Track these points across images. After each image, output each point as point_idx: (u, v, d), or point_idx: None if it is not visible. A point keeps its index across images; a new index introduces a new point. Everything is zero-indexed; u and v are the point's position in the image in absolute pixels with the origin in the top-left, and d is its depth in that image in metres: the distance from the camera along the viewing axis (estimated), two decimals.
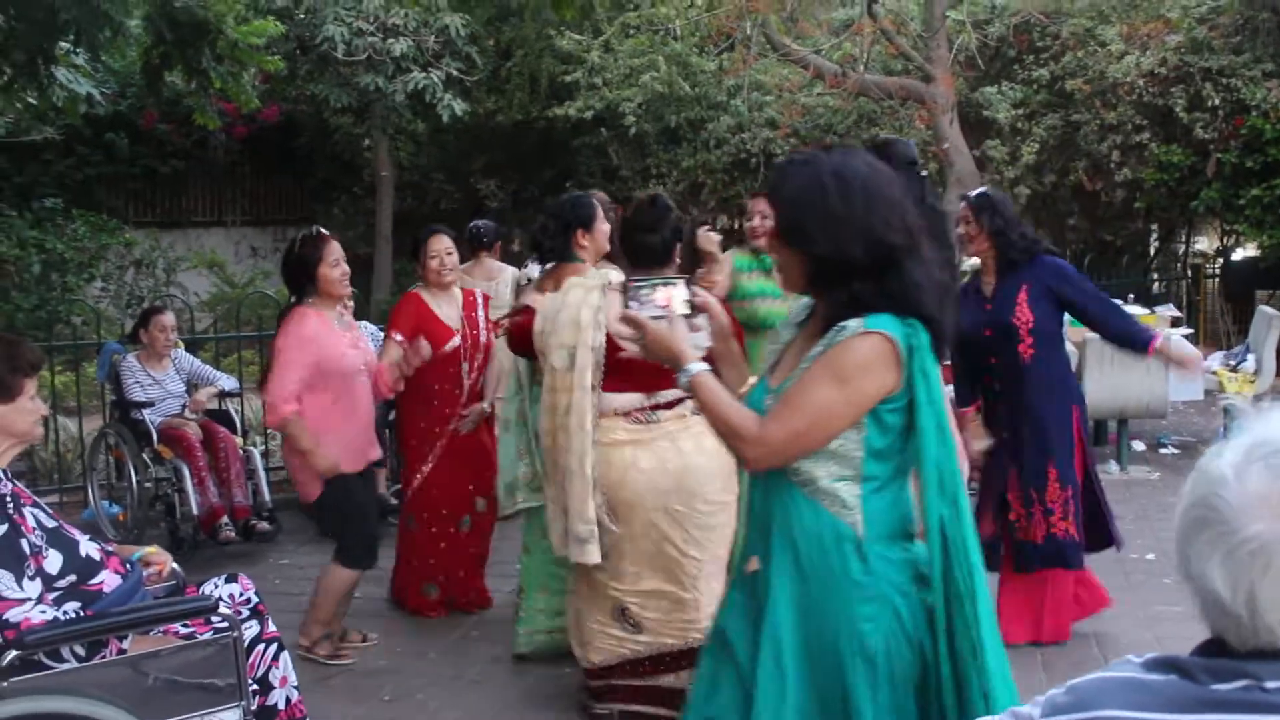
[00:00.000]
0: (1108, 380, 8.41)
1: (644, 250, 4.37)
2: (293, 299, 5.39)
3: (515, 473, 5.17)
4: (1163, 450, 9.24)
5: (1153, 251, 15.66)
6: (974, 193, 5.55)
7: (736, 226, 14.24)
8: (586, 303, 4.27)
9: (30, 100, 8.68)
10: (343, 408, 5.25)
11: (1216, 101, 12.62)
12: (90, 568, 3.24)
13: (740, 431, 2.54)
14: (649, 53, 14.19)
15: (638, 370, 4.12)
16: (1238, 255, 14.74)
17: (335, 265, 5.30)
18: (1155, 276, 14.95)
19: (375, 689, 5.12)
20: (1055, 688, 1.61)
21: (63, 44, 7.20)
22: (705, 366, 2.68)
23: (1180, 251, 15.54)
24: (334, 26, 13.01)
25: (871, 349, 2.45)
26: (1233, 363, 10.23)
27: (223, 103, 11.80)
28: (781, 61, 13.71)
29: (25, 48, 7.04)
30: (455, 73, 13.74)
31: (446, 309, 6.01)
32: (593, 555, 4.23)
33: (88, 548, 3.29)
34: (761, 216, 5.44)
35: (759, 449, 2.52)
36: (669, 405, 4.35)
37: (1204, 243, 15.70)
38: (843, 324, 2.47)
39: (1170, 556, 5.93)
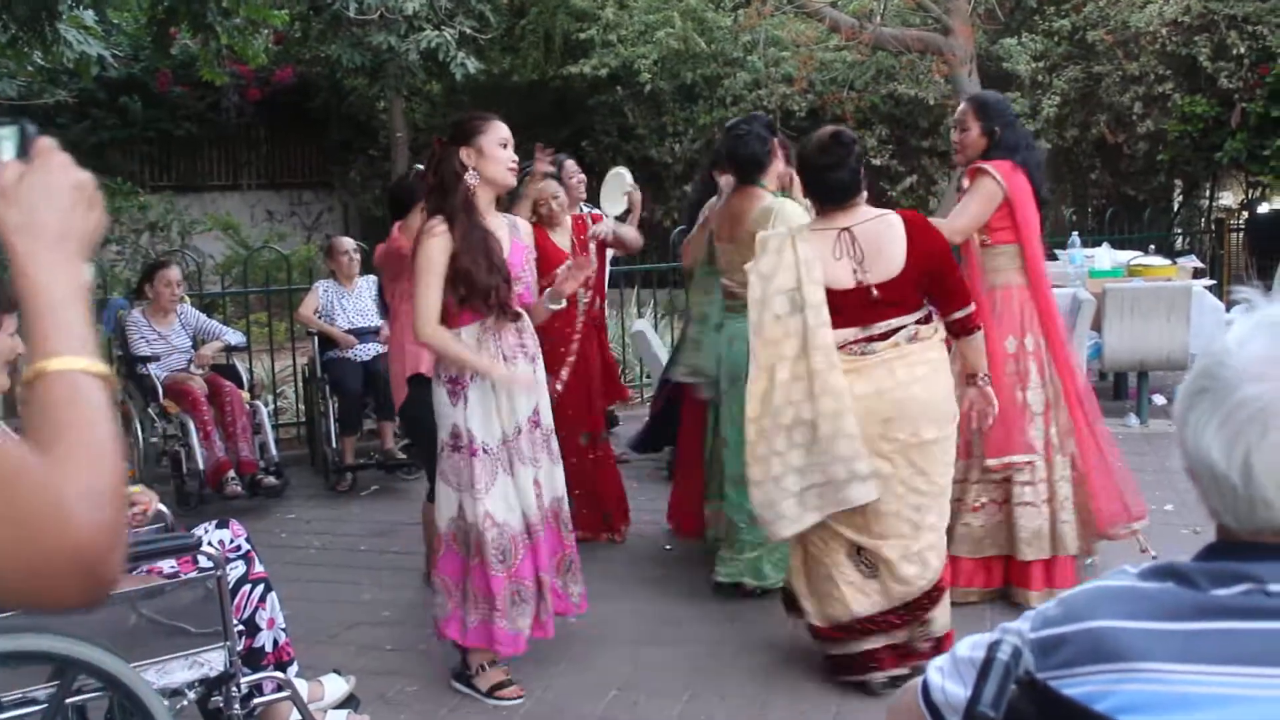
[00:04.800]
0: (1127, 332, 8.27)
1: (832, 188, 4.34)
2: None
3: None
4: None
5: (1176, 206, 15.45)
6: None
7: None
8: (791, 245, 4.29)
9: (38, 60, 8.62)
10: None
11: (1241, 49, 12.39)
12: None
13: None
14: (664, 9, 14.07)
15: (848, 305, 4.22)
16: (1263, 208, 14.51)
17: None
18: (1179, 231, 14.74)
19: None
20: (1048, 601, 1.53)
21: (70, 1, 7.13)
22: None
23: (1204, 206, 15.31)
24: None
25: None
26: None
27: (236, 65, 11.76)
28: (797, 15, 13.53)
29: (27, 2, 6.96)
30: (469, 31, 13.59)
31: (559, 238, 6.23)
32: (872, 491, 4.19)
33: None
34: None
35: None
36: (883, 336, 4.28)
37: (1229, 197, 15.47)
38: None
39: (1190, 508, 5.87)
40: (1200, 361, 1.45)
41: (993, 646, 1.48)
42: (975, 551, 5.14)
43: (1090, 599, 1.46)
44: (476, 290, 4.19)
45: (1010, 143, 5.09)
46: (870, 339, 4.26)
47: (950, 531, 4.83)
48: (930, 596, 4.33)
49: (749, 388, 4.30)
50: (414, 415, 5.27)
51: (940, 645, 4.30)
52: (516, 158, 4.38)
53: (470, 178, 4.26)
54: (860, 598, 4.30)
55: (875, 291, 4.22)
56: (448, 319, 4.27)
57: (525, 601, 4.34)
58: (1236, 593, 1.37)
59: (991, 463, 5.04)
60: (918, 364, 4.27)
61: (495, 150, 4.29)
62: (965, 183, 5.15)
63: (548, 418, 4.49)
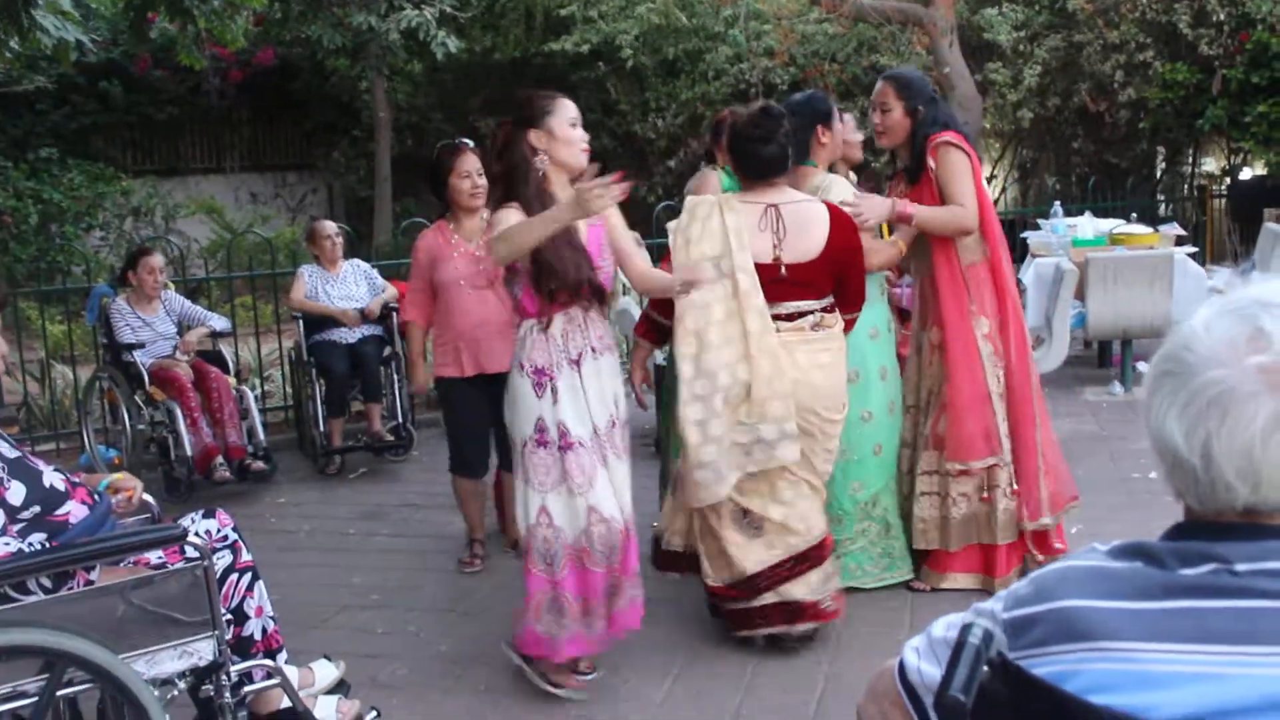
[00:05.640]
0: (1111, 300, 8.29)
1: (760, 162, 4.42)
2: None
3: None
4: None
5: (1159, 173, 15.46)
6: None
7: None
8: (719, 213, 4.38)
9: (14, 46, 8.57)
10: (444, 315, 5.55)
11: (1221, 16, 12.39)
12: (55, 498, 3.17)
13: None
14: None
15: (760, 280, 4.31)
16: (1245, 174, 14.53)
17: (465, 177, 5.54)
18: (1162, 198, 14.76)
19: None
20: (1020, 581, 1.55)
21: None
22: None
23: (1187, 173, 15.33)
24: None
25: None
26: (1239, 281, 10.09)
27: (216, 48, 11.69)
28: None
29: None
30: (449, 9, 13.54)
31: None
32: (796, 451, 4.30)
33: (52, 478, 3.22)
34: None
35: None
36: (789, 318, 4.39)
37: (1211, 164, 15.47)
38: None
39: None
40: (1167, 344, 1.47)
41: (964, 629, 1.50)
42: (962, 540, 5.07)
43: (1060, 578, 1.48)
44: (566, 282, 3.99)
45: (941, 117, 4.96)
46: (776, 317, 4.35)
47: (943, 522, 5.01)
48: (816, 552, 4.48)
49: (678, 350, 4.35)
50: (445, 415, 5.74)
51: (815, 609, 4.48)
52: (588, 136, 4.16)
53: (541, 162, 4.05)
54: (748, 556, 4.43)
55: (784, 270, 4.35)
56: (530, 312, 4.08)
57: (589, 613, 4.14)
58: (1204, 572, 1.39)
59: (955, 466, 4.95)
60: (820, 351, 4.41)
61: (567, 131, 4.07)
62: (930, 163, 4.87)
63: (624, 412, 4.28)
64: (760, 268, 4.33)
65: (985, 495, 4.97)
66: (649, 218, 9.53)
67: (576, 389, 4.04)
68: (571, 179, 4.07)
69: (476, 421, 5.55)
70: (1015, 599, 1.50)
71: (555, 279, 3.97)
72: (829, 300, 4.47)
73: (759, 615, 4.49)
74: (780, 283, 4.35)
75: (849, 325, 4.62)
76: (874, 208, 4.74)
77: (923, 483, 5.07)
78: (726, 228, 4.34)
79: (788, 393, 4.26)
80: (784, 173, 4.46)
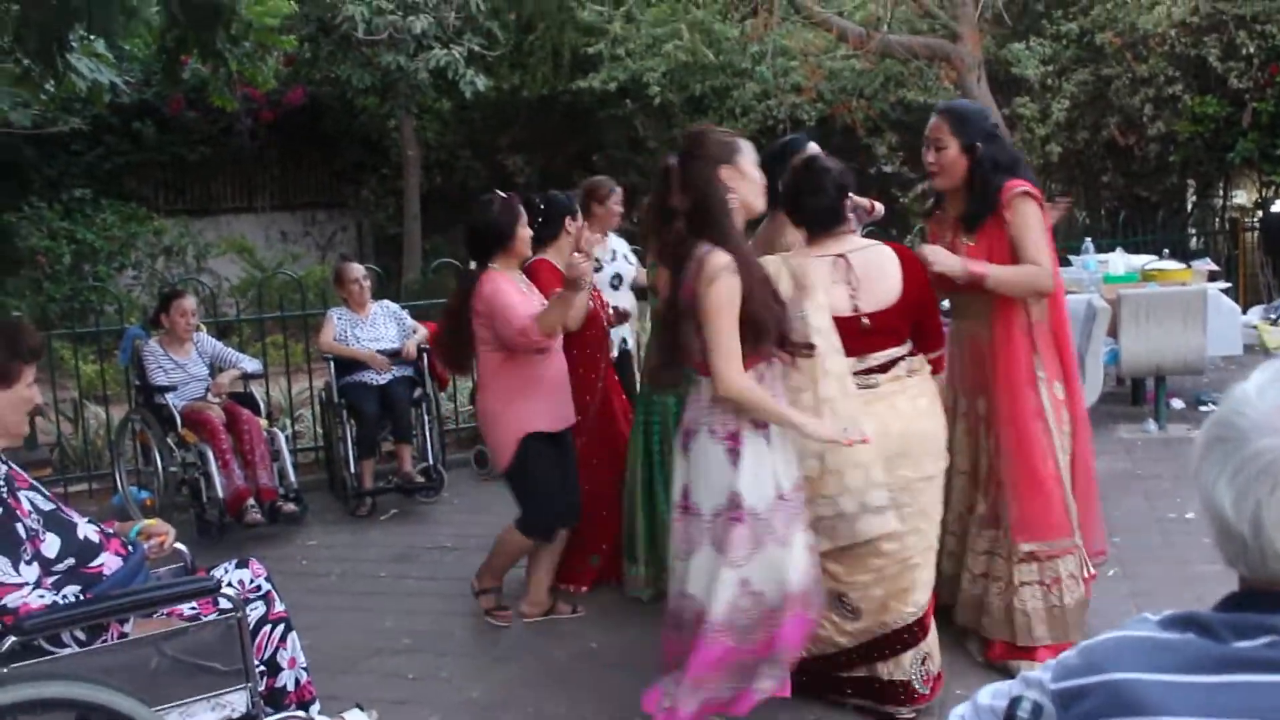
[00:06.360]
0: (1144, 336, 8.23)
1: (818, 214, 4.22)
2: (473, 265, 5.31)
3: None
4: (1202, 408, 9.03)
5: (1190, 207, 15.39)
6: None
7: None
8: (787, 270, 4.14)
9: (49, 89, 8.67)
10: (536, 367, 5.21)
11: (1251, 49, 12.32)
12: (89, 550, 3.18)
13: None
14: (671, 21, 14.03)
15: (841, 334, 4.05)
16: (1277, 207, 14.45)
17: (526, 225, 5.33)
18: (1193, 232, 14.68)
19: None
20: (1069, 650, 1.53)
21: (80, 31, 7.16)
22: None
23: (1218, 206, 15.25)
24: (354, 6, 12.91)
25: None
26: (1273, 316, 10.03)
27: (248, 89, 11.79)
28: (805, 25, 13.51)
29: (39, 34, 7.00)
30: (477, 48, 13.64)
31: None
32: (890, 521, 4.02)
33: (86, 530, 3.23)
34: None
35: None
36: (883, 368, 4.15)
37: (1242, 196, 15.38)
38: None
39: None
40: (1220, 408, 1.45)
41: (1013, 703, 1.48)
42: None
43: (1111, 649, 1.45)
44: (768, 334, 3.70)
45: (1005, 159, 4.52)
46: (870, 370, 4.13)
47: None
48: (910, 631, 4.18)
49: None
50: (530, 474, 5.21)
51: (907, 692, 4.19)
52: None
53: (732, 200, 3.78)
54: (843, 632, 4.20)
55: (866, 320, 4.11)
56: (702, 369, 3.74)
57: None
58: (1260, 645, 1.36)
59: (1028, 547, 4.48)
60: (919, 396, 4.19)
61: (754, 171, 3.88)
62: (1006, 215, 4.41)
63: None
64: (840, 321, 4.07)
65: (1053, 580, 4.51)
66: None
67: (762, 454, 3.76)
68: (746, 220, 3.94)
69: (556, 483, 5.34)
70: (1065, 669, 1.48)
71: (760, 331, 3.68)
72: (910, 345, 4.23)
73: (849, 685, 4.27)
74: (866, 334, 4.12)
75: (937, 365, 4.38)
76: (943, 261, 4.32)
77: (979, 564, 4.65)
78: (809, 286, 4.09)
79: (868, 460, 3.96)
80: (842, 222, 4.24)
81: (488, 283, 5.13)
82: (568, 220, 5.75)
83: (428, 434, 7.72)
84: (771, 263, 4.15)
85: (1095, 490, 4.77)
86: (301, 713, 3.58)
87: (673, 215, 3.79)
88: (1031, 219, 4.39)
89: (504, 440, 5.23)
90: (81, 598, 3.14)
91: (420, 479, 7.70)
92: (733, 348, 3.61)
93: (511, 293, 5.13)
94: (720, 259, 3.63)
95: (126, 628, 3.20)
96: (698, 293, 3.65)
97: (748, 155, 3.88)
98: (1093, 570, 4.68)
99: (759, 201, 3.94)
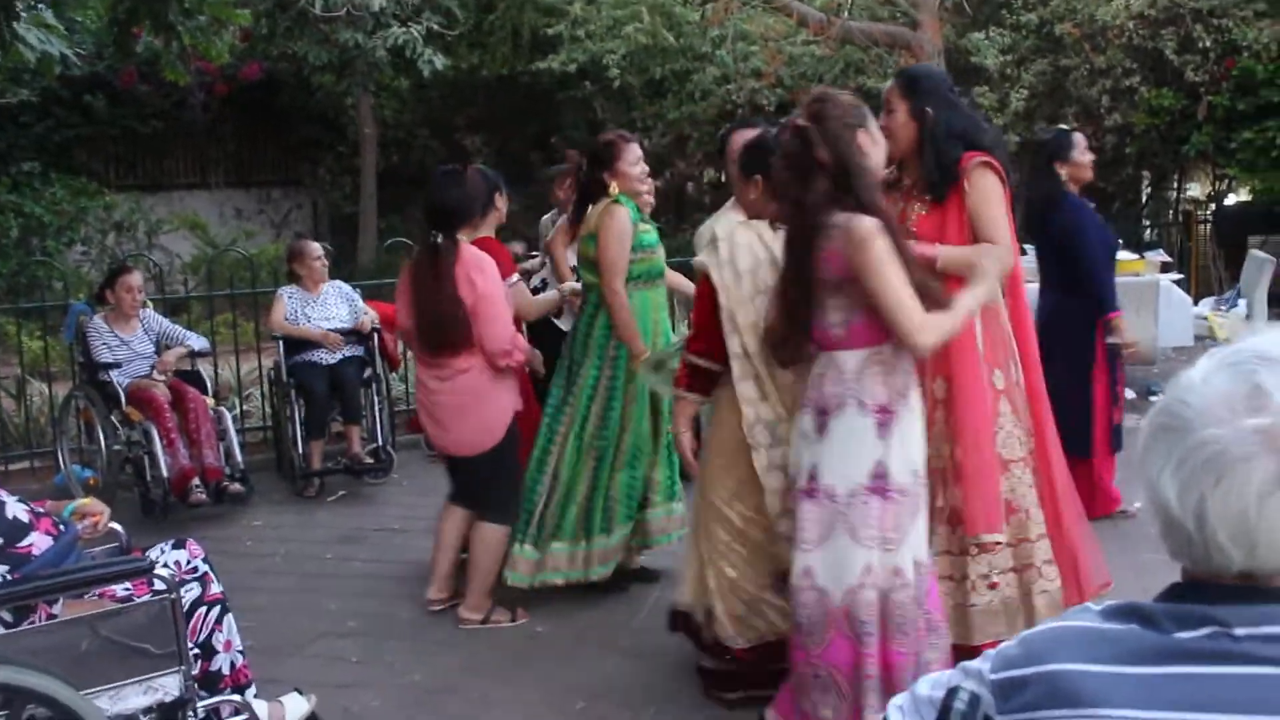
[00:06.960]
0: None
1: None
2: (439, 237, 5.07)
3: None
4: (1152, 398, 9.07)
5: (1145, 198, 15.49)
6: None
7: (724, 179, 14.06)
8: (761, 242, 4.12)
9: None
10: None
11: (1208, 43, 12.42)
12: (18, 530, 3.10)
13: None
14: (632, 3, 13.98)
15: None
16: (1230, 200, 14.57)
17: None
18: (1147, 223, 14.78)
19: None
20: (1009, 641, 1.49)
21: (29, 0, 7.03)
22: None
23: (1172, 198, 15.36)
24: None
25: None
26: (1223, 308, 10.09)
27: (202, 62, 11.63)
28: (765, 10, 13.47)
29: None
30: (436, 27, 13.53)
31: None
32: None
33: (15, 509, 3.14)
34: None
35: None
36: None
37: (1196, 189, 15.52)
38: None
39: None
40: (1165, 396, 1.42)
41: (950, 694, 1.45)
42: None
43: (1050, 640, 1.42)
44: (926, 296, 3.48)
45: (960, 126, 4.15)
46: None
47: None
48: None
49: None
50: (509, 454, 5.17)
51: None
52: None
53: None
54: (778, 626, 4.05)
55: None
56: (870, 340, 3.51)
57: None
58: (1201, 635, 1.33)
59: (971, 542, 4.08)
60: None
61: (881, 138, 3.74)
62: (966, 186, 4.09)
63: None
64: None
65: (1017, 569, 4.14)
66: None
67: (916, 422, 3.58)
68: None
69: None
70: (1004, 660, 1.45)
71: (925, 295, 3.45)
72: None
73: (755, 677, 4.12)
74: None
75: None
76: None
77: (938, 565, 4.09)
78: (773, 252, 3.94)
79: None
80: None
81: (468, 251, 5.01)
82: (497, 195, 5.72)
83: (377, 415, 7.64)
84: (741, 227, 4.18)
85: (1079, 512, 4.49)
86: (237, 696, 3.51)
87: (816, 175, 3.50)
88: (990, 193, 4.09)
89: (495, 419, 5.09)
90: (8, 578, 3.06)
91: (369, 460, 7.62)
92: (914, 303, 3.38)
93: (501, 294, 5.07)
94: (867, 222, 3.40)
95: (55, 609, 3.12)
96: (853, 261, 3.40)
97: (873, 121, 3.69)
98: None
99: (882, 165, 3.76)
